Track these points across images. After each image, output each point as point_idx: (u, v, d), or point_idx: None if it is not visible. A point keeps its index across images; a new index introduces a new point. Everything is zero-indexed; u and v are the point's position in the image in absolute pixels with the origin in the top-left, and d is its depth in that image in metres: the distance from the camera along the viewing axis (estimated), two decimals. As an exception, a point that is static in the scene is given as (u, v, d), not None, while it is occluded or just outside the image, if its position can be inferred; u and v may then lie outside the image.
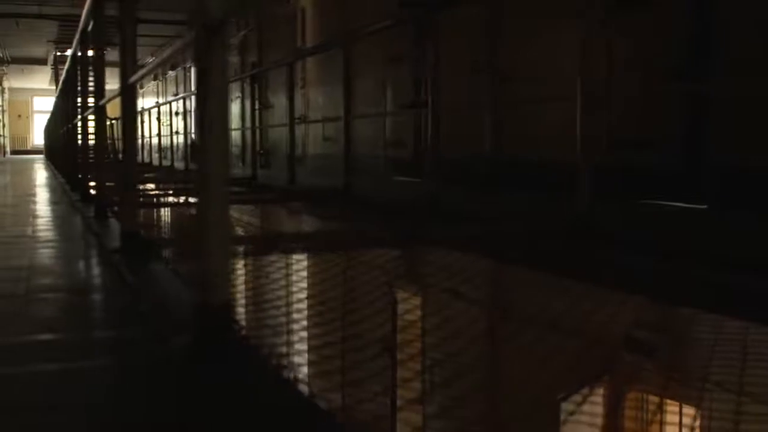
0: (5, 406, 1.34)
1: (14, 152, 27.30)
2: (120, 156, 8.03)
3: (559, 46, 5.37)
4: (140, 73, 2.83)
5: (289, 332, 1.98)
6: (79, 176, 6.15)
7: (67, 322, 2.02)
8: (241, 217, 4.64)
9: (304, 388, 1.25)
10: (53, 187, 7.90)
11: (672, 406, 2.60)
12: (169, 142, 14.01)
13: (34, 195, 7.05)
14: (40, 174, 12.05)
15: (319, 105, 10.47)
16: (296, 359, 1.73)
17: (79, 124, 5.94)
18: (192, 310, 1.99)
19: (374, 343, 2.05)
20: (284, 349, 1.84)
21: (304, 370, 1.63)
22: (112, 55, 5.31)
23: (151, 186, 7.62)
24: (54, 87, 22.92)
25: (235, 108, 12.85)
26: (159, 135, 15.34)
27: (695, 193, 4.50)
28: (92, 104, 5.83)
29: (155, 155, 16.53)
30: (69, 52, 18.68)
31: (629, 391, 3.08)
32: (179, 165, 14.86)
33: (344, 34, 6.26)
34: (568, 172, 4.42)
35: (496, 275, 3.29)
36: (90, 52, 5.40)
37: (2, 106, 25.50)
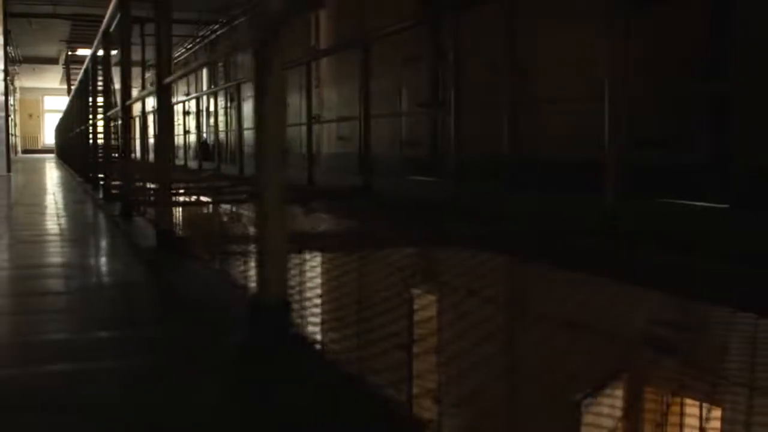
0: (61, 403, 1.35)
1: (25, 151, 27.41)
2: (132, 155, 8.04)
3: (575, 46, 5.39)
4: (177, 73, 2.86)
5: (341, 329, 2.00)
6: (100, 175, 6.19)
7: (114, 319, 2.04)
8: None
9: (374, 387, 1.27)
10: (72, 187, 7.95)
11: (713, 409, 2.62)
12: (181, 141, 14.06)
13: (54, 194, 7.09)
14: (56, 173, 12.11)
15: (333, 104, 10.50)
16: (355, 357, 1.75)
17: (101, 123, 5.98)
18: (241, 308, 2.01)
19: (419, 338, 2.07)
20: (340, 346, 1.86)
21: (368, 367, 1.65)
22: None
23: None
24: (65, 86, 23.01)
25: (247, 107, 12.89)
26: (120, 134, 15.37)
27: (718, 192, 4.52)
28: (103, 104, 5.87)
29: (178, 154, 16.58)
30: (81, 52, 18.68)
31: (668, 393, 3.10)
32: (191, 164, 14.89)
33: (365, 34, 6.28)
34: (587, 170, 4.43)
35: (532, 276, 3.31)
36: (113, 52, 5.45)
37: (13, 105, 25.60)
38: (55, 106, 30.00)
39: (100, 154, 6.72)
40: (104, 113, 5.62)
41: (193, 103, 15.42)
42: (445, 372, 1.86)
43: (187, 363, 1.57)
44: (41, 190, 7.72)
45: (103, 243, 3.51)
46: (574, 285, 3.17)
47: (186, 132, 15.86)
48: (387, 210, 5.05)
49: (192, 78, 17.55)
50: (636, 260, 3.51)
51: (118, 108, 5.10)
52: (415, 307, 2.41)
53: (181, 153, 15.48)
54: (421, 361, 1.90)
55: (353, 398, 1.28)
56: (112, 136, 5.67)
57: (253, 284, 2.93)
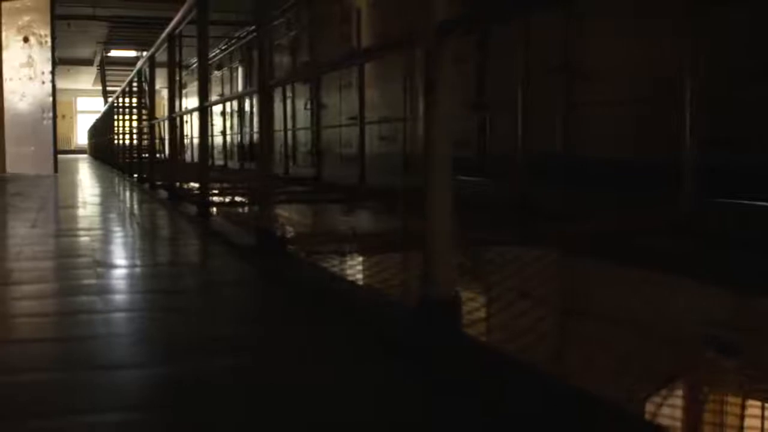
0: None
1: (58, 152, 27.66)
2: (152, 155, 8.11)
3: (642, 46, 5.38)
4: (281, 77, 2.90)
5: (493, 318, 2.04)
6: (165, 175, 6.26)
7: (245, 316, 2.07)
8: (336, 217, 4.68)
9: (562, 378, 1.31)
10: (128, 187, 8.03)
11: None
12: (221, 141, 14.17)
13: (115, 194, 7.17)
14: (100, 173, 12.24)
15: (374, 105, 10.53)
16: (519, 347, 1.79)
17: (165, 124, 6.04)
18: (380, 306, 2.06)
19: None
20: (500, 338, 1.90)
21: (536, 356, 1.69)
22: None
23: (223, 185, 7.72)
24: (99, 87, 23.22)
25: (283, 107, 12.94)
26: (211, 135, 15.51)
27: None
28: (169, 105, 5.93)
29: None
30: (114, 53, 18.67)
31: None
32: (231, 164, 14.99)
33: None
34: (635, 171, 4.42)
35: (620, 277, 3.33)
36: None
37: (47, 106, 25.84)
38: (87, 107, 30.32)
39: (159, 155, 6.81)
40: (169, 114, 5.70)
41: (224, 104, 15.52)
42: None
43: (353, 362, 1.60)
44: (99, 190, 7.81)
45: (198, 242, 3.56)
46: (668, 287, 3.19)
47: (222, 132, 15.97)
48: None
49: (227, 78, 17.64)
50: (720, 260, 3.52)
51: (185, 110, 5.15)
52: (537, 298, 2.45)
53: (216, 152, 15.58)
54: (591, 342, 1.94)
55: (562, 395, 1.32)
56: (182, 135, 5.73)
57: (367, 281, 2.98)
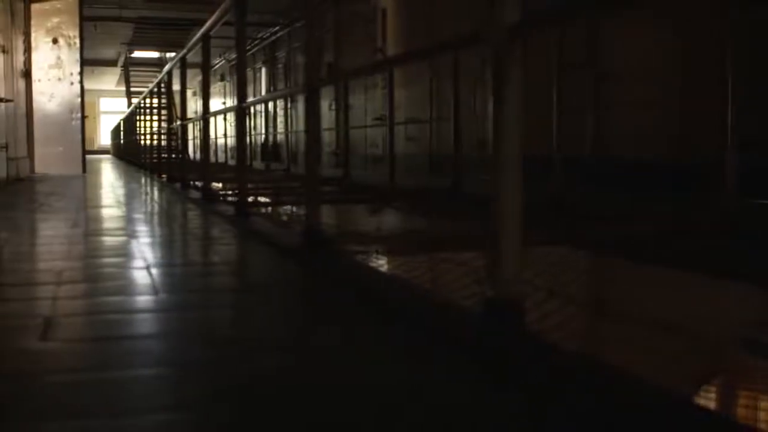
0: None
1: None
2: (183, 155, 8.17)
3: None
4: (324, 78, 2.91)
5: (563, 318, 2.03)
6: (196, 175, 6.29)
7: (291, 316, 2.06)
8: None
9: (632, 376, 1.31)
10: (158, 186, 8.08)
11: None
12: (246, 142, 14.26)
13: (147, 194, 7.22)
14: (126, 173, 12.32)
15: (402, 105, 10.55)
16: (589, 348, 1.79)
17: (199, 124, 6.07)
18: (447, 308, 2.06)
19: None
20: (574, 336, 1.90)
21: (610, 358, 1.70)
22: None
23: (259, 185, 7.74)
24: (122, 88, 23.38)
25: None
26: (235, 135, 15.58)
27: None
28: (203, 105, 5.94)
29: (221, 155, 16.79)
30: (137, 54, 18.72)
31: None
32: (255, 164, 15.04)
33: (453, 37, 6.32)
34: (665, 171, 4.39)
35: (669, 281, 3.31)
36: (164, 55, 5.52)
37: (71, 107, 26.05)
38: (110, 107, 30.56)
39: (189, 155, 6.84)
40: (203, 114, 5.73)
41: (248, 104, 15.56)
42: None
43: (412, 363, 1.60)
44: (130, 189, 7.87)
45: (240, 242, 3.57)
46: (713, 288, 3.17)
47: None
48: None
49: (250, 79, 17.71)
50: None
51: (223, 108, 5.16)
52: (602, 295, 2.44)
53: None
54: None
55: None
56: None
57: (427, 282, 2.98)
